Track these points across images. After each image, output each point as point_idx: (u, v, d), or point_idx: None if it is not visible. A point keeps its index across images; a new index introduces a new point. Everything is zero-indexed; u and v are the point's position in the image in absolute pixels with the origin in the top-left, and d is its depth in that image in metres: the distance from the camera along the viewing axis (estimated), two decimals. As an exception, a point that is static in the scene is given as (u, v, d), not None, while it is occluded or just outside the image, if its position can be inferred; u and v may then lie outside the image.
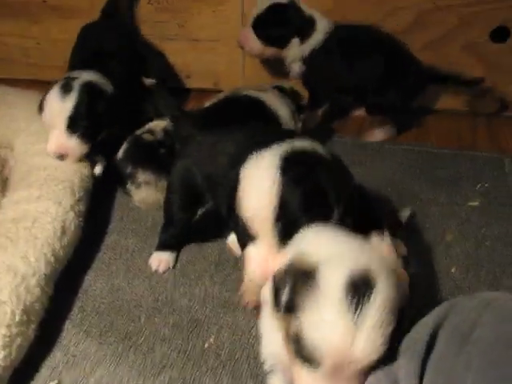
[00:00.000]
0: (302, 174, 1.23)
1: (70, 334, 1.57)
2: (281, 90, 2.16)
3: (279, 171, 1.21)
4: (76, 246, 1.74)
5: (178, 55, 2.65)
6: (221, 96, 2.08)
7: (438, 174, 2.19)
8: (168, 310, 1.64)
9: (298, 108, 2.14)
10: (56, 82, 1.96)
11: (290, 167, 1.22)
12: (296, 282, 1.03)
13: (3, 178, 2.08)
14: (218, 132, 1.64)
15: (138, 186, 1.96)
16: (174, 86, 2.70)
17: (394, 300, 1.03)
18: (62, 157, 1.91)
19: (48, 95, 1.93)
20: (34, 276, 1.52)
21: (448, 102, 2.56)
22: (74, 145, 1.91)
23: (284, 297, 1.04)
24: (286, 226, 1.19)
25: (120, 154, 1.99)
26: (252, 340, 1.54)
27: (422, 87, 2.38)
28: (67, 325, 1.60)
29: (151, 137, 1.97)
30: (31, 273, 1.52)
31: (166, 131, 1.97)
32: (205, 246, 1.85)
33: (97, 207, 1.96)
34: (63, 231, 1.68)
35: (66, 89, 1.90)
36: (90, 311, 1.64)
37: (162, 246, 1.79)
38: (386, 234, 1.38)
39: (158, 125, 2.01)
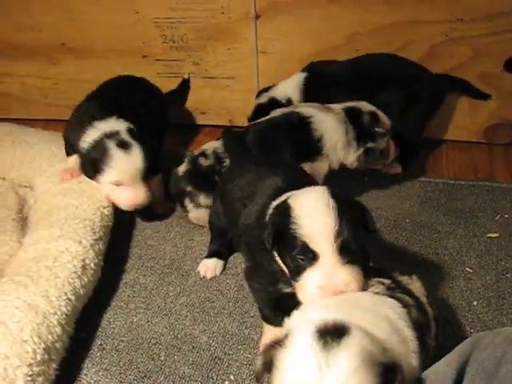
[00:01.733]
0: (348, 202, 1.38)
1: (90, 372, 1.57)
2: (351, 112, 2.05)
3: (331, 198, 1.33)
4: (95, 284, 1.75)
5: (193, 92, 2.69)
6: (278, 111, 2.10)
7: (456, 205, 2.18)
8: (187, 348, 1.63)
9: (365, 136, 2.05)
10: (111, 135, 1.99)
11: (336, 197, 1.35)
12: None
13: (23, 217, 2.11)
14: (260, 165, 1.72)
15: (198, 206, 2.02)
16: (189, 123, 2.75)
17: None
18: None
19: (112, 155, 1.94)
20: (54, 315, 1.53)
21: (463, 133, 2.56)
22: (148, 194, 1.99)
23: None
24: (342, 244, 1.30)
25: (180, 171, 2.05)
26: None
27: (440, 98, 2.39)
28: (87, 363, 1.60)
29: (207, 162, 2.01)
30: (52, 312, 1.53)
31: (216, 154, 2.01)
32: (223, 283, 1.85)
33: (115, 245, 1.97)
34: (83, 270, 1.69)
35: (127, 145, 1.96)
36: (110, 349, 1.64)
37: (210, 255, 1.89)
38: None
39: (210, 146, 2.06)
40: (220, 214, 1.80)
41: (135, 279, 1.89)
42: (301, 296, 1.36)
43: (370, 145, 2.05)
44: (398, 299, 1.29)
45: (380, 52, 2.34)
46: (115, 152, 1.93)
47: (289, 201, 1.38)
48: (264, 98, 2.37)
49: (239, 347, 1.63)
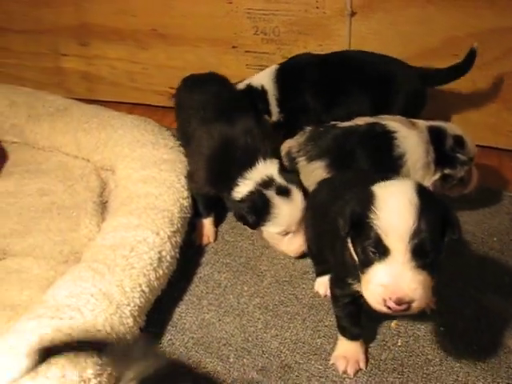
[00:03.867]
0: (434, 201, 1.27)
1: (158, 367, 1.55)
2: (435, 132, 1.92)
3: (416, 194, 1.24)
4: (170, 277, 1.73)
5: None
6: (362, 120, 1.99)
7: (551, 225, 2.04)
8: (257, 352, 1.59)
9: (445, 160, 1.91)
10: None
11: (423, 195, 1.25)
12: None
13: (103, 201, 2.13)
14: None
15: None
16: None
17: None
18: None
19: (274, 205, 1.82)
20: (128, 306, 1.52)
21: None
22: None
23: None
24: (417, 245, 1.20)
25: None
26: (344, 393, 1.47)
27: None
28: (156, 358, 1.58)
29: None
30: (126, 303, 1.52)
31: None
32: (298, 288, 1.80)
33: (191, 237, 1.96)
34: (159, 262, 1.68)
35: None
36: (179, 345, 1.62)
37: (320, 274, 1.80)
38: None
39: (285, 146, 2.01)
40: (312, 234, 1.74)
41: (210, 275, 1.86)
42: (365, 292, 1.28)
43: (447, 171, 1.91)
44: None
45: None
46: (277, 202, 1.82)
47: (373, 189, 1.30)
48: (242, 85, 2.32)
49: (311, 357, 1.58)
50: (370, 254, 1.25)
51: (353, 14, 2.34)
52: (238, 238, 2.01)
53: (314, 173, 1.92)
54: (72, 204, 2.11)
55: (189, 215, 1.91)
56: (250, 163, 1.86)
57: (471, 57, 2.13)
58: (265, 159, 1.86)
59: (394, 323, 1.65)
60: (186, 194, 1.94)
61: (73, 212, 2.07)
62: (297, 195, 1.82)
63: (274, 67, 2.32)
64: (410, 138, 1.87)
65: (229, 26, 2.56)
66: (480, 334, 1.62)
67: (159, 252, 1.69)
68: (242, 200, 1.84)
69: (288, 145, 2.02)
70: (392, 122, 1.91)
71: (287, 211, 1.81)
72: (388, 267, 1.22)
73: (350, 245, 1.34)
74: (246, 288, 1.81)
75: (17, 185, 2.23)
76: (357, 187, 1.43)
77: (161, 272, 1.67)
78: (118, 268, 1.60)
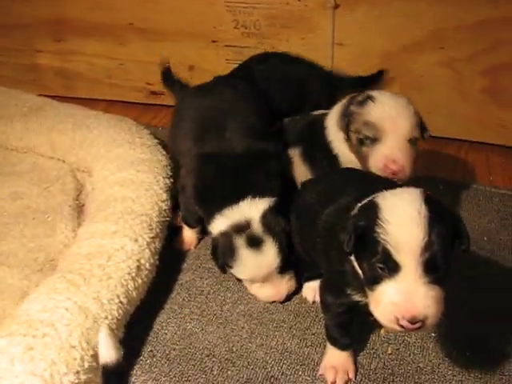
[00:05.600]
0: (444, 211, 1.21)
1: (138, 380, 1.48)
2: None
3: (425, 204, 1.17)
4: (149, 285, 1.66)
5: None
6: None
7: (543, 225, 1.98)
8: (242, 363, 1.52)
9: None
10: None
11: (431, 204, 1.18)
12: None
13: (79, 204, 2.05)
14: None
15: None
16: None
17: None
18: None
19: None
20: (105, 319, 1.44)
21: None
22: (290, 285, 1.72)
23: None
24: (429, 260, 1.14)
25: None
26: (332, 404, 1.41)
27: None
28: (136, 370, 1.51)
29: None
30: (103, 316, 1.44)
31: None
32: (284, 294, 1.73)
33: (171, 242, 1.88)
34: (138, 271, 1.60)
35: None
36: (160, 357, 1.55)
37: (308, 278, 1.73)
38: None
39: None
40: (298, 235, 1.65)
41: (191, 281, 1.79)
42: (375, 311, 1.21)
43: None
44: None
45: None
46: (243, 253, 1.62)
47: (377, 200, 1.22)
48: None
49: (298, 367, 1.51)
50: (379, 270, 1.17)
51: (336, 6, 2.27)
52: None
53: (294, 160, 1.87)
54: (47, 208, 2.02)
55: (168, 219, 1.84)
56: (235, 198, 1.65)
57: (379, 76, 2.30)
58: (256, 197, 1.65)
59: (383, 330, 1.59)
60: (164, 196, 1.86)
61: (48, 216, 1.98)
62: (269, 248, 1.60)
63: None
64: None
65: (208, 19, 2.47)
66: (473, 339, 1.56)
67: (138, 260, 1.61)
68: (213, 239, 1.69)
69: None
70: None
71: (252, 264, 1.62)
72: (399, 285, 1.15)
73: (354, 259, 1.26)
74: (229, 295, 1.74)
75: (-12, 190, 2.14)
76: (352, 191, 1.38)
77: (139, 281, 1.59)
78: (95, 279, 1.52)
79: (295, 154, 1.88)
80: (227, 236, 1.63)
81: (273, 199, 1.66)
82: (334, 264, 1.37)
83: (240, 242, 1.61)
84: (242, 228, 1.62)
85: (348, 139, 1.73)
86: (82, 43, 2.69)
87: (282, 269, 1.64)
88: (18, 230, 1.93)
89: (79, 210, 2.02)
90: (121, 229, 1.67)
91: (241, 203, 1.63)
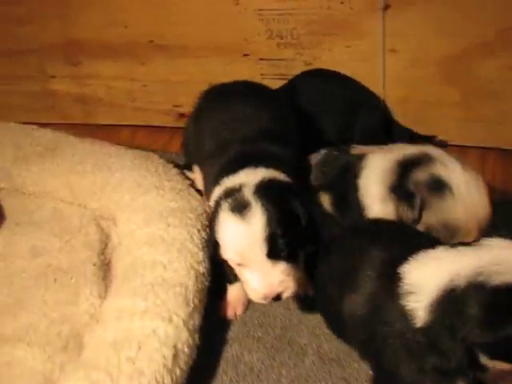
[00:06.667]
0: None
1: None
2: None
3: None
4: (189, 372, 1.39)
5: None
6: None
7: None
8: None
9: None
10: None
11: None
12: None
13: (104, 261, 1.79)
14: None
15: None
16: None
17: None
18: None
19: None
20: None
21: None
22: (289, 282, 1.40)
23: None
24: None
25: None
26: None
27: None
28: None
29: None
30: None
31: None
32: (349, 369, 1.45)
33: (213, 304, 1.60)
34: (175, 359, 1.33)
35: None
36: None
37: None
38: None
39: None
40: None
41: (238, 355, 1.51)
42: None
43: None
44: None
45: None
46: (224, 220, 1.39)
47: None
48: None
49: None
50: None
51: (386, 7, 1.94)
52: (269, 302, 1.65)
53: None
54: (69, 266, 1.77)
55: (207, 284, 1.56)
56: (237, 166, 1.47)
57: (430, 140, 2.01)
58: (259, 166, 1.45)
59: None
60: (201, 256, 1.58)
61: (71, 277, 1.73)
62: (255, 216, 1.32)
63: None
64: None
65: (237, 30, 2.17)
66: None
67: (174, 346, 1.34)
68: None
69: None
70: None
71: (232, 232, 1.36)
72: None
73: None
74: (284, 372, 1.46)
75: (6, 244, 1.90)
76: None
77: (178, 372, 1.33)
78: (124, 377, 1.26)
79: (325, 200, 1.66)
80: (217, 203, 1.43)
81: (280, 173, 1.46)
82: None
83: (224, 205, 1.38)
84: (231, 192, 1.40)
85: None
86: (99, 65, 2.41)
87: (275, 254, 1.34)
88: (38, 296, 1.69)
89: (105, 268, 1.77)
90: (151, 306, 1.40)
91: (240, 171, 1.45)
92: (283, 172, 1.46)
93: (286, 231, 1.33)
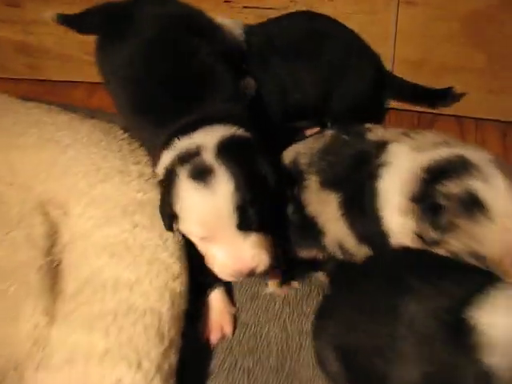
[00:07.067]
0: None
1: None
2: None
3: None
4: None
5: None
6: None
7: None
8: None
9: None
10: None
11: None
12: None
13: (52, 264, 1.42)
14: None
15: None
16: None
17: None
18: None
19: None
20: None
21: None
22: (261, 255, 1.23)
23: None
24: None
25: None
26: None
27: None
28: None
29: None
30: None
31: None
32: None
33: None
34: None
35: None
36: None
37: None
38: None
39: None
40: None
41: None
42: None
43: None
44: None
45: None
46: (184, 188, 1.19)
47: None
48: None
49: None
50: None
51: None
52: (262, 317, 1.33)
53: (326, 206, 1.28)
54: (9, 269, 1.40)
55: (185, 306, 1.22)
56: (190, 127, 1.26)
57: (447, 93, 1.76)
58: (215, 123, 1.25)
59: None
60: (177, 268, 1.24)
61: (10, 285, 1.37)
62: (221, 182, 1.16)
63: None
64: None
65: (218, -29, 1.78)
66: None
67: (143, 399, 1.02)
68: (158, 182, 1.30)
69: (295, 150, 1.38)
70: None
71: (195, 203, 1.17)
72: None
73: None
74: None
75: None
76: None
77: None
78: None
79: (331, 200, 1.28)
80: (170, 170, 1.22)
81: (238, 128, 1.27)
82: None
83: (182, 173, 1.19)
84: (188, 156, 1.20)
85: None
86: (46, 9, 1.96)
87: (246, 224, 1.18)
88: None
89: (52, 273, 1.40)
90: (114, 347, 1.07)
91: (199, 130, 1.25)
92: (241, 127, 1.28)
93: (255, 198, 1.18)
